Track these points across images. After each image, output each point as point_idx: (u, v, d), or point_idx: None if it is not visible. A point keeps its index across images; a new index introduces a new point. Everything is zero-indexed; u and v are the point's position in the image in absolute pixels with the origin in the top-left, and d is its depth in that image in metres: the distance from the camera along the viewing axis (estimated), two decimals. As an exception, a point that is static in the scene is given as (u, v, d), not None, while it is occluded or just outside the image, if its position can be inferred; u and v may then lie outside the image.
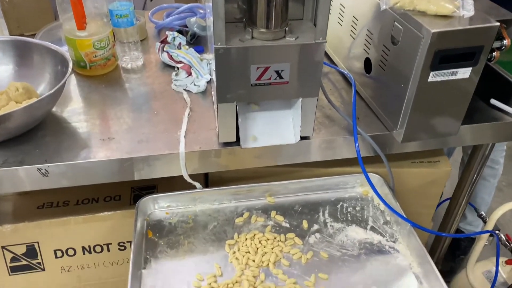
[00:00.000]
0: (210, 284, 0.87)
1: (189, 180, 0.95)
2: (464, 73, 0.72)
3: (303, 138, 0.85)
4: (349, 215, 0.94)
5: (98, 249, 0.97)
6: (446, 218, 1.23)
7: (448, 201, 1.17)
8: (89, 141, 0.83)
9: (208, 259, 0.85)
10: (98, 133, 0.86)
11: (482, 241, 1.21)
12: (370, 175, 0.91)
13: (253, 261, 0.85)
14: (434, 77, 0.73)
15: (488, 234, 1.18)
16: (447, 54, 0.70)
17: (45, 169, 0.85)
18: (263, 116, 0.82)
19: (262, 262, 0.87)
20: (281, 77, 0.71)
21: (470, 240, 1.68)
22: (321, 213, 0.94)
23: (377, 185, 0.93)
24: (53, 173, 0.83)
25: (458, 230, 1.69)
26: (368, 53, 0.88)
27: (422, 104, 0.76)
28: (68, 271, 0.96)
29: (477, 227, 1.70)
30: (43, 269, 0.95)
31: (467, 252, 1.67)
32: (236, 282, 0.87)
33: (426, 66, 0.71)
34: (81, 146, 0.82)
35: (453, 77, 0.73)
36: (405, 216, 0.94)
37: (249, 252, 0.86)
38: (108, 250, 0.99)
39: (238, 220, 0.92)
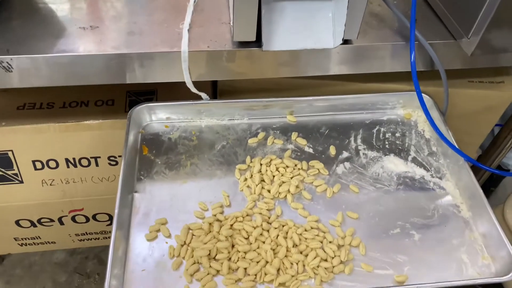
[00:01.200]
0: (215, 215, 0.71)
1: (193, 89, 0.75)
2: None
3: (344, 42, 0.63)
4: (386, 142, 0.79)
5: (84, 162, 0.81)
6: (490, 149, 1.04)
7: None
8: (66, 29, 0.63)
9: (214, 185, 0.73)
10: (79, 19, 0.65)
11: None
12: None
13: (268, 191, 0.69)
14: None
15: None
16: None
17: (7, 62, 0.65)
18: (294, 8, 0.61)
19: (279, 193, 0.71)
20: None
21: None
22: (352, 138, 0.80)
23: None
24: (19, 68, 0.63)
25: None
26: None
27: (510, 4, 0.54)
28: (50, 185, 0.81)
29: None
30: (21, 181, 0.79)
31: (498, 184, 1.51)
32: (247, 215, 0.71)
33: None
34: (55, 34, 0.62)
35: None
36: (458, 147, 0.75)
37: (263, 180, 0.74)
38: (97, 165, 0.83)
39: (252, 141, 0.79)
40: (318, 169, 0.74)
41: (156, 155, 0.76)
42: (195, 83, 0.70)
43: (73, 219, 1.00)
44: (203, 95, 0.83)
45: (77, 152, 0.87)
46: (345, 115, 0.84)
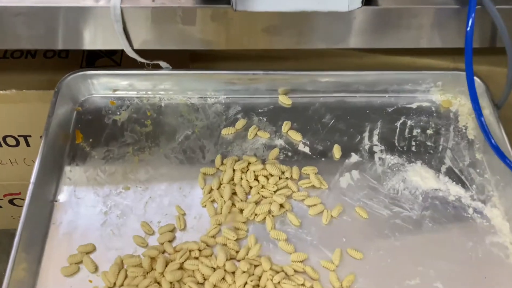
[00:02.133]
0: (162, 244, 0.51)
1: (139, 58, 0.51)
2: None
3: (366, 2, 0.39)
4: (413, 143, 0.61)
5: (11, 141, 0.59)
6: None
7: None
8: None
9: (166, 197, 0.56)
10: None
11: None
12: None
13: (241, 211, 0.56)
14: None
15: None
16: None
17: None
18: None
19: (255, 215, 0.55)
20: None
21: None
22: (366, 134, 0.62)
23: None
24: None
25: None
26: None
27: None
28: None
29: None
30: None
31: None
32: (206, 247, 0.50)
33: None
34: None
35: None
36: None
37: (235, 193, 0.57)
38: (28, 145, 0.61)
39: (227, 132, 0.62)
40: (314, 180, 0.56)
41: (93, 146, 0.60)
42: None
43: (11, 202, 0.81)
44: (162, 63, 0.59)
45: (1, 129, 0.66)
46: (359, 99, 0.65)
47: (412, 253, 0.52)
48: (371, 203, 0.56)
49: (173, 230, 0.53)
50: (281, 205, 0.54)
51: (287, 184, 0.56)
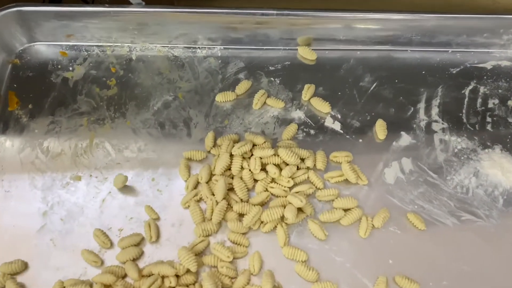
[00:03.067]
0: (124, 263, 0.35)
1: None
2: None
3: None
4: (488, 119, 0.46)
5: None
6: None
7: None
8: None
9: (133, 192, 0.41)
10: None
11: None
12: None
13: (240, 216, 0.40)
14: None
15: None
16: None
17: None
18: None
19: (261, 222, 0.40)
20: None
21: None
22: (422, 104, 0.46)
23: None
24: None
25: None
26: None
27: None
28: None
29: None
30: None
31: None
32: (186, 274, 0.34)
33: None
34: None
35: None
36: None
37: (232, 189, 0.41)
38: None
39: (223, 98, 0.46)
40: (347, 172, 0.42)
41: (32, 115, 0.45)
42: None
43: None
44: (131, -3, 0.41)
45: None
46: (412, 54, 0.50)
47: (488, 282, 0.38)
48: (430, 207, 0.40)
49: (140, 243, 0.36)
50: (300, 209, 0.37)
51: (308, 177, 0.39)
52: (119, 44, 0.47)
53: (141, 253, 0.37)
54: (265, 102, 0.44)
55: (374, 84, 0.46)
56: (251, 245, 0.38)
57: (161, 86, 0.45)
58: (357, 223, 0.39)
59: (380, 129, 0.43)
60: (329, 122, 0.44)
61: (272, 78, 0.46)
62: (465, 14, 0.47)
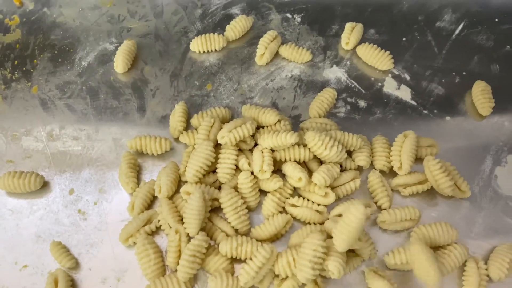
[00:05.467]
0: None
1: None
2: None
3: None
4: None
5: None
6: None
7: None
8: None
9: (36, 215, 0.23)
10: None
11: None
12: None
13: (231, 264, 0.21)
14: None
15: None
16: None
17: None
18: None
19: (275, 277, 0.20)
20: None
21: None
22: None
23: None
24: None
25: None
26: None
27: None
28: None
29: None
30: None
31: None
32: None
33: None
34: None
35: None
36: None
37: (218, 209, 0.23)
38: None
39: (202, 47, 0.28)
40: (431, 177, 0.23)
41: None
42: None
43: None
44: None
45: None
46: None
47: None
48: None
49: None
50: (351, 251, 0.18)
51: (361, 187, 0.20)
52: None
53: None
54: (277, 53, 0.26)
55: (461, 25, 0.28)
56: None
57: (96, 27, 0.27)
58: (459, 271, 0.20)
59: (481, 98, 0.25)
60: (390, 87, 0.26)
61: (288, 15, 0.28)
62: None
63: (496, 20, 0.29)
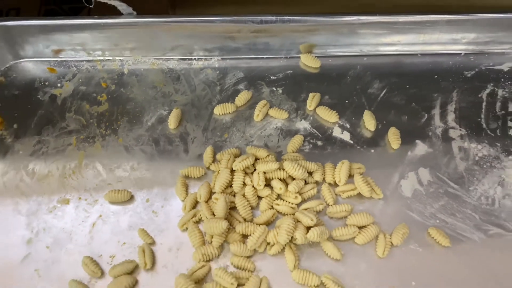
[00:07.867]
0: None
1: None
2: None
3: None
4: (510, 123, 0.42)
5: None
6: None
7: None
8: None
9: (125, 215, 0.37)
10: None
11: None
12: None
13: (243, 238, 0.37)
14: None
15: None
16: None
17: None
18: None
19: (267, 244, 0.36)
20: None
21: None
22: (437, 110, 0.43)
23: None
24: None
25: None
26: None
27: None
28: None
29: None
30: None
31: None
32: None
33: None
34: None
35: None
36: None
37: (235, 208, 0.37)
38: None
39: (222, 111, 0.43)
40: (360, 186, 0.38)
41: (17, 135, 0.42)
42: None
43: None
44: (119, 4, 0.38)
45: None
46: (424, 58, 0.46)
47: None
48: (453, 220, 0.36)
49: (133, 271, 0.32)
50: (310, 228, 0.33)
51: (317, 193, 0.35)
52: (110, 58, 0.44)
53: (135, 282, 0.33)
54: (267, 113, 0.41)
55: (384, 91, 0.43)
56: (257, 270, 0.34)
57: (155, 100, 0.42)
58: (374, 242, 0.35)
59: (393, 138, 0.39)
60: (337, 132, 0.40)
61: (274, 88, 0.43)
62: (468, 14, 0.44)
63: (407, 86, 0.44)
